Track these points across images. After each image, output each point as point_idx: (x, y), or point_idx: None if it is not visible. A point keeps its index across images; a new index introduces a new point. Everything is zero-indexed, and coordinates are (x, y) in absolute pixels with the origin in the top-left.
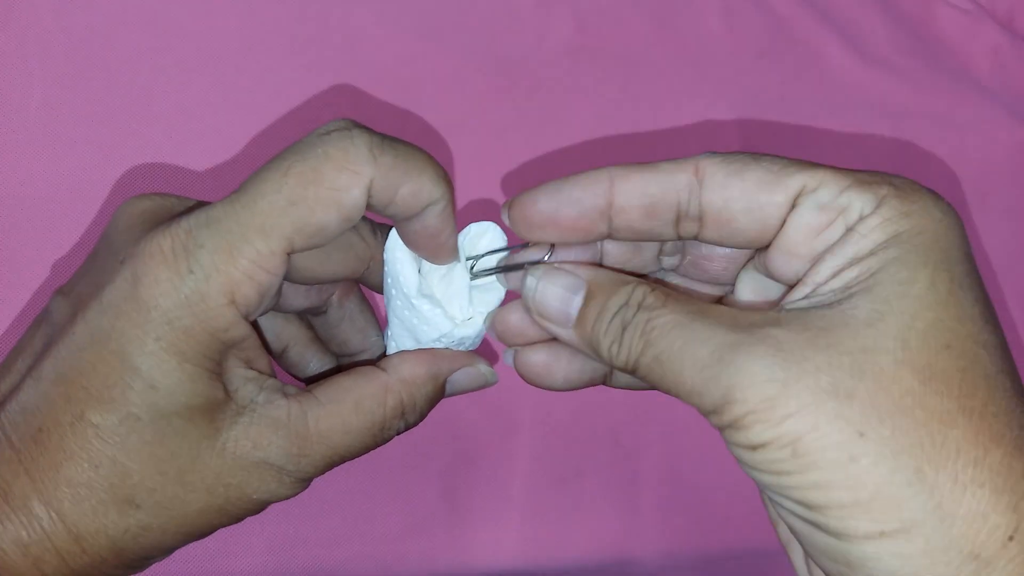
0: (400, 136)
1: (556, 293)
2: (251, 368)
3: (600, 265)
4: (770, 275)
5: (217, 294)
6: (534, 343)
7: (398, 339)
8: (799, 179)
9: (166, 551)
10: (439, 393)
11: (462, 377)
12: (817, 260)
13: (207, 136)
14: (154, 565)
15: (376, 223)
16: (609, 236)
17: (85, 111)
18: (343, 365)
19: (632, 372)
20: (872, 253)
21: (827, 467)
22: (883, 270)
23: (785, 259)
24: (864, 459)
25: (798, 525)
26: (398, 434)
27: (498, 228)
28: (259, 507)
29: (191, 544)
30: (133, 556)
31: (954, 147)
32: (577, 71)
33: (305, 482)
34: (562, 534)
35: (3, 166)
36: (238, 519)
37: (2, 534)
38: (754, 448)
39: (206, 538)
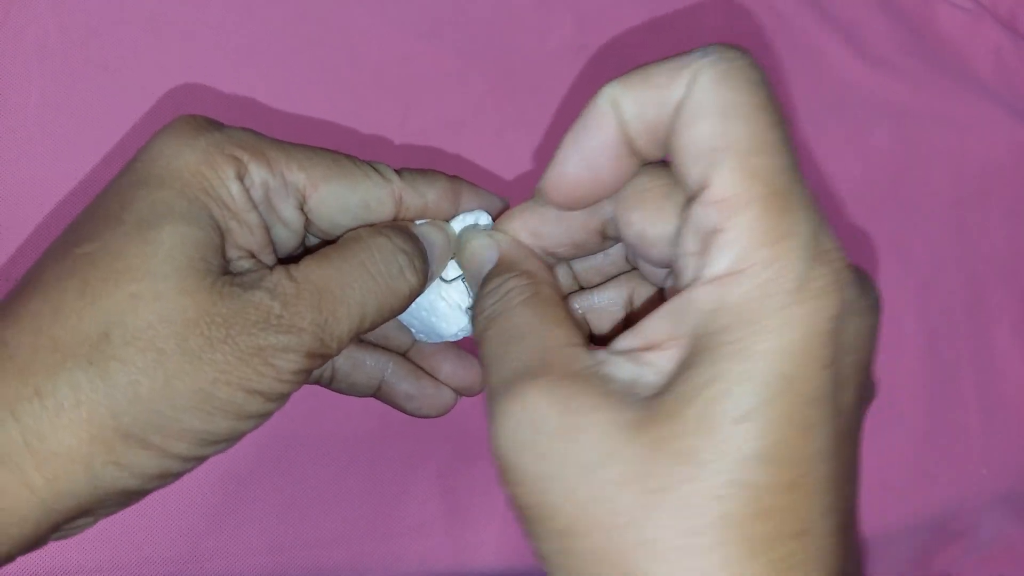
0: (400, 136)
1: (477, 261)
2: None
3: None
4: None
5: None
6: None
7: (417, 336)
8: (730, 177)
9: None
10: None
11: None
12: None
13: None
14: (152, 566)
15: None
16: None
17: (84, 111)
18: None
19: None
20: (701, 336)
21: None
22: (693, 372)
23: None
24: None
25: None
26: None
27: (487, 216)
28: None
29: (190, 544)
30: None
31: (954, 147)
32: (577, 71)
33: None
34: None
35: (2, 166)
36: None
37: None
38: None
39: (205, 538)
